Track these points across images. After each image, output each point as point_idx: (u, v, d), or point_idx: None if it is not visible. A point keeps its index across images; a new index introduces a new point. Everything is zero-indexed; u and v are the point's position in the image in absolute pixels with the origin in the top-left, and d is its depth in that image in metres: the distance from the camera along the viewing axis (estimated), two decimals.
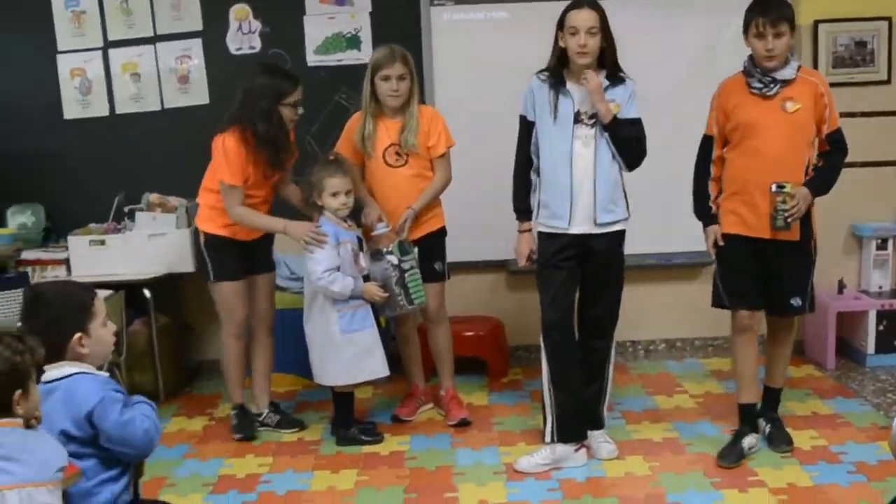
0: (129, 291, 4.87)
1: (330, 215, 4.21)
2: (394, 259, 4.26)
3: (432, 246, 4.48)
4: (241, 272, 4.45)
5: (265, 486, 3.97)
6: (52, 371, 2.59)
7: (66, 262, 5.04)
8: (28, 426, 2.20)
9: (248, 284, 4.49)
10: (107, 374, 2.69)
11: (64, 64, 5.36)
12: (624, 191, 3.96)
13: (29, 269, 4.81)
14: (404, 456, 4.21)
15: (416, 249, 4.32)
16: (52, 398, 2.54)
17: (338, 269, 4.18)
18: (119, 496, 2.58)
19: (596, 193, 3.87)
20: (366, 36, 5.30)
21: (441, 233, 4.53)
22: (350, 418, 4.43)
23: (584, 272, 4.00)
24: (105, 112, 5.40)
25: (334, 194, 4.17)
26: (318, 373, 4.37)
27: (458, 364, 4.76)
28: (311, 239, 4.17)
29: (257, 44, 5.33)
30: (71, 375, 2.59)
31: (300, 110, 4.30)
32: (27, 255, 5.09)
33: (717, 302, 4.05)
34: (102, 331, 2.68)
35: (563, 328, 3.96)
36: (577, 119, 3.87)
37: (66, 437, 2.51)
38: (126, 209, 5.15)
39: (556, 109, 3.89)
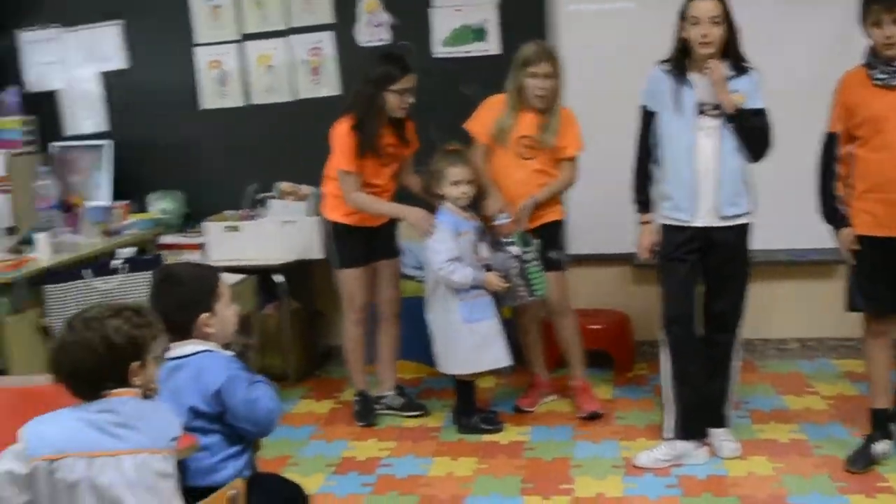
0: (262, 276, 5.03)
1: (450, 205, 4.25)
2: (515, 250, 4.27)
3: (549, 236, 4.47)
4: (364, 259, 4.54)
5: (385, 469, 4.05)
6: (179, 349, 2.68)
7: (202, 246, 5.23)
8: (145, 397, 2.30)
9: (371, 271, 4.59)
10: (231, 354, 2.78)
11: (202, 56, 5.55)
12: (750, 183, 3.86)
13: (163, 253, 5.00)
14: (523, 446, 4.22)
15: (537, 241, 4.32)
16: (179, 375, 2.64)
17: (458, 259, 4.21)
18: (241, 472, 2.67)
19: (720, 186, 3.79)
20: (492, 28, 5.29)
21: (558, 224, 4.53)
22: (472, 406, 4.47)
23: (708, 265, 3.92)
24: (241, 102, 5.57)
25: (455, 183, 4.21)
26: (441, 361, 4.42)
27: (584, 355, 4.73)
28: (425, 227, 4.24)
29: (386, 36, 5.39)
30: (197, 353, 2.69)
31: (410, 99, 4.36)
32: (166, 239, 5.31)
33: (852, 306, 3.88)
34: (227, 311, 2.77)
35: (684, 322, 3.89)
36: (701, 110, 3.79)
37: (194, 412, 2.60)
38: (259, 197, 5.31)
39: (679, 101, 3.82)
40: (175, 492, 2.24)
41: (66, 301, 3.98)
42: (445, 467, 4.04)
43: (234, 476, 2.57)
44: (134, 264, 4.09)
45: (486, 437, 4.33)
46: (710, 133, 3.80)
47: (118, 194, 5.48)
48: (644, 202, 4.04)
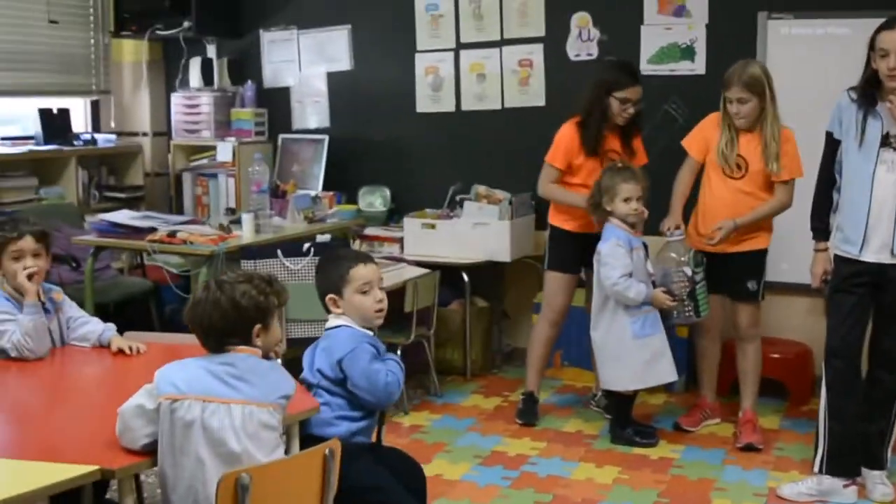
0: (453, 274, 5.30)
1: (617, 221, 4.31)
2: (688, 270, 4.30)
3: (749, 264, 4.45)
4: (573, 266, 4.67)
5: (530, 466, 4.20)
6: (329, 321, 3.07)
7: (401, 241, 5.57)
8: (266, 357, 2.59)
9: (577, 280, 4.76)
10: (370, 332, 3.04)
11: (420, 62, 5.90)
12: None
13: (356, 242, 5.37)
14: (672, 463, 4.25)
15: (704, 261, 4.33)
16: (322, 342, 3.04)
17: (631, 274, 4.28)
18: (354, 434, 2.95)
19: None
20: (700, 47, 5.31)
21: (761, 253, 4.47)
22: (628, 419, 4.52)
23: (879, 302, 3.80)
24: (451, 108, 5.86)
25: (626, 200, 4.27)
26: (606, 378, 4.49)
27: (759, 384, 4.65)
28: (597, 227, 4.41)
29: (594, 51, 5.51)
30: (338, 327, 3.04)
31: (631, 109, 4.48)
32: (370, 231, 5.72)
33: None
34: (357, 297, 3.02)
35: (845, 356, 3.79)
36: (885, 142, 3.69)
37: (320, 374, 2.97)
38: (458, 198, 5.58)
39: (863, 131, 3.73)
40: (279, 443, 2.51)
41: None
42: (587, 472, 4.14)
43: (344, 434, 2.84)
44: (318, 248, 4.45)
45: (638, 450, 4.38)
46: (892, 167, 3.69)
47: (333, 185, 5.93)
48: (821, 230, 3.98)
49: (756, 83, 4.24)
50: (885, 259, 3.71)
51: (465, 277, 5.35)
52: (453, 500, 3.84)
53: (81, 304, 4.04)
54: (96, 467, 2.35)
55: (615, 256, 4.29)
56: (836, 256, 3.88)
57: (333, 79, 6.11)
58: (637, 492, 3.94)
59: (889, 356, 3.82)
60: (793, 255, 5.01)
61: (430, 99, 5.92)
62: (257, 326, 2.54)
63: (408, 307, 4.79)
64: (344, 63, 6.07)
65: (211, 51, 6.22)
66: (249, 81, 6.17)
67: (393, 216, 5.88)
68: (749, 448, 4.39)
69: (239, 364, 2.49)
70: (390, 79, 5.97)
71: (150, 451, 2.44)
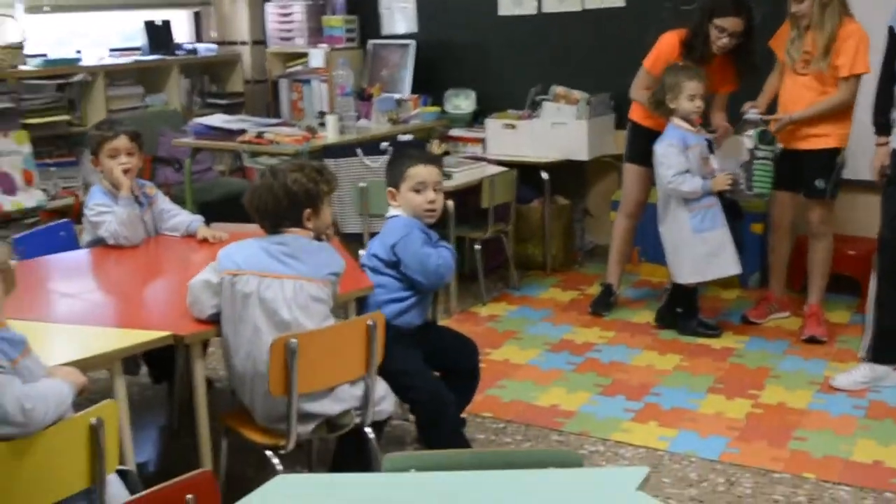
0: (534, 173, 5.48)
1: (679, 121, 4.40)
2: (749, 143, 4.37)
3: (817, 162, 4.46)
4: (648, 159, 4.69)
5: (594, 353, 4.42)
6: (388, 212, 3.35)
7: (483, 141, 5.77)
8: (318, 239, 2.86)
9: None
10: (417, 221, 3.28)
11: None
12: None
13: (433, 143, 5.58)
14: (733, 352, 4.40)
15: (778, 146, 4.40)
16: (382, 231, 3.33)
17: (687, 171, 4.38)
18: (401, 314, 3.23)
19: None
20: None
21: (830, 151, 4.44)
22: (694, 311, 4.66)
23: None
24: (533, 11, 5.96)
25: (691, 97, 4.35)
26: (672, 271, 4.64)
27: (834, 281, 4.74)
28: None
29: None
30: (393, 216, 3.31)
31: (724, 40, 4.48)
32: (454, 132, 5.94)
33: None
34: (410, 194, 3.26)
35: None
36: None
37: (376, 258, 3.27)
38: (538, 98, 5.72)
39: None
40: (328, 315, 2.80)
41: (339, 174, 4.65)
42: (649, 360, 4.33)
43: (389, 317, 3.09)
44: (397, 147, 4.68)
45: (701, 340, 4.53)
46: None
47: (421, 89, 6.15)
48: (882, 124, 4.01)
49: None
50: None
51: (545, 176, 5.52)
52: (516, 380, 4.11)
53: (183, 203, 4.42)
54: (170, 333, 2.69)
55: (667, 156, 4.40)
56: (893, 150, 3.91)
57: None
58: (694, 377, 4.12)
59: None
60: (869, 153, 5.01)
61: (512, 2, 6.02)
62: (307, 210, 2.81)
63: (484, 203, 5.01)
64: None
65: None
66: None
67: (478, 118, 6.06)
68: (812, 340, 4.50)
69: (291, 244, 2.77)
70: None
71: (215, 321, 2.76)
